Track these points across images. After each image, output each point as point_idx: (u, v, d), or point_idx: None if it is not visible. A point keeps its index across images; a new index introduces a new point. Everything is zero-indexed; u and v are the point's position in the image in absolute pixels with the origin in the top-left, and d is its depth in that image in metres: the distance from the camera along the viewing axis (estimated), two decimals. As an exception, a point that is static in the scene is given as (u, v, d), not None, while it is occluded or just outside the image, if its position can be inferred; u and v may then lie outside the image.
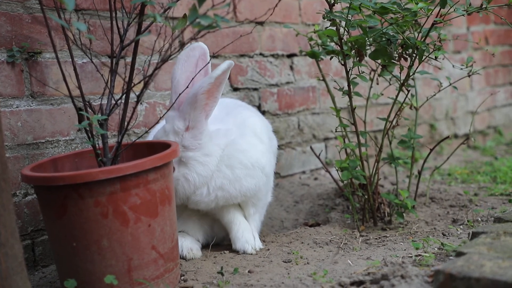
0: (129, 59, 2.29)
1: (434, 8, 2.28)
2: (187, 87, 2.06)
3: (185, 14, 1.76)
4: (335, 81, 2.83)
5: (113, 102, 2.01)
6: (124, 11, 2.31)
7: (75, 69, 2.00)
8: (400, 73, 2.45)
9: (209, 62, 2.13)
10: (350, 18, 2.23)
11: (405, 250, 2.14)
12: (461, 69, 2.56)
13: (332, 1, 2.27)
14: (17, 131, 2.14)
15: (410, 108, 2.67)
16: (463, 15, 2.27)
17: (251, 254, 2.21)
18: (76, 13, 2.31)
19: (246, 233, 2.24)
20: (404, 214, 2.50)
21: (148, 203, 1.82)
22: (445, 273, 1.49)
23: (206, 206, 2.16)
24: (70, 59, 2.00)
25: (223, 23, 1.73)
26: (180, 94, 2.06)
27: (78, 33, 2.25)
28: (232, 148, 2.14)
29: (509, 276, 1.41)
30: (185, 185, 2.11)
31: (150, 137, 2.35)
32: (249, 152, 2.16)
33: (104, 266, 1.78)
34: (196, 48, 2.14)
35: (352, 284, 1.77)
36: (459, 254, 1.63)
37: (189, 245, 2.19)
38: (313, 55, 2.63)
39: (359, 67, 2.39)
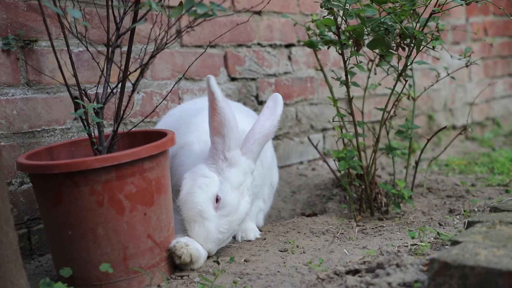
0: (125, 48, 2.28)
1: (433, -2, 2.27)
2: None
3: (181, 2, 1.75)
4: (333, 71, 2.82)
5: (109, 90, 2.00)
6: (120, -1, 2.30)
7: (70, 58, 1.99)
8: (398, 63, 2.44)
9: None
10: (348, 8, 2.22)
11: (401, 239, 2.14)
12: (459, 59, 2.55)
13: (330, -10, 2.26)
14: (13, 119, 2.13)
15: (408, 98, 2.67)
16: (461, 5, 2.26)
17: (250, 240, 2.23)
18: (71, 1, 2.29)
19: (248, 223, 2.30)
20: (401, 204, 2.50)
21: (143, 192, 1.82)
22: (440, 261, 1.49)
23: None
24: (66, 48, 2.00)
25: (220, 11, 1.72)
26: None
27: (74, 21, 2.24)
28: None
29: (504, 265, 1.41)
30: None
31: (156, 127, 2.36)
32: (256, 180, 2.19)
33: (100, 254, 1.78)
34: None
35: (347, 272, 1.77)
36: (454, 243, 1.63)
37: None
38: (311, 44, 2.62)
39: (357, 57, 2.38)
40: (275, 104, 2.12)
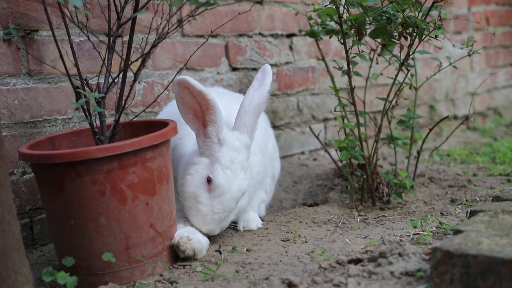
0: (126, 38, 2.27)
1: (435, -14, 2.26)
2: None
3: (182, -9, 1.74)
4: (334, 60, 2.81)
5: (110, 80, 2.00)
6: (121, -12, 2.29)
7: (72, 47, 1.98)
8: (400, 52, 2.43)
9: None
10: (350, -4, 2.21)
11: (403, 229, 2.14)
12: (461, 48, 2.54)
13: (332, -21, 2.24)
14: (14, 109, 2.13)
15: (410, 88, 2.66)
16: (464, -7, 2.25)
17: (252, 230, 2.23)
18: (73, -10, 2.28)
19: (250, 213, 2.30)
20: (402, 194, 2.50)
21: (145, 181, 1.82)
22: (443, 250, 1.49)
23: None
24: (67, 37, 1.99)
25: (221, 0, 1.71)
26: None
27: (75, 10, 2.23)
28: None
29: (507, 253, 1.41)
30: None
31: (158, 117, 2.35)
32: (258, 168, 2.20)
33: (102, 243, 1.78)
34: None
35: (350, 261, 1.77)
36: (456, 232, 1.63)
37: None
38: (312, 34, 2.61)
39: (359, 46, 2.37)
40: (263, 75, 2.10)
